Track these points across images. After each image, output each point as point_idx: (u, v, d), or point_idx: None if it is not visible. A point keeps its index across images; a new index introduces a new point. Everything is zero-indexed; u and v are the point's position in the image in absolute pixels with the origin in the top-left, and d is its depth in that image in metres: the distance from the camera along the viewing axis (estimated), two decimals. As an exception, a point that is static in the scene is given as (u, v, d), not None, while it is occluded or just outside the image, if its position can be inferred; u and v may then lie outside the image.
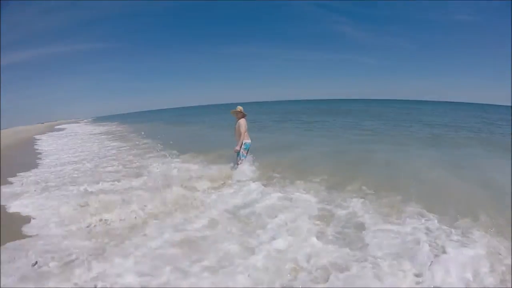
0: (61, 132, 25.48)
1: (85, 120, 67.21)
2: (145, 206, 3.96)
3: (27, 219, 3.86)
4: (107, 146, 12.00)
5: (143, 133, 14.38)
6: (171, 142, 9.35)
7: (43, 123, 63.52)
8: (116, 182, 5.48)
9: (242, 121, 5.70)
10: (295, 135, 12.39)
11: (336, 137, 11.05)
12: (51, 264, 2.63)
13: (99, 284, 2.31)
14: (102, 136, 17.46)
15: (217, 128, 17.10)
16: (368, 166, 5.99)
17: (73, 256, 2.74)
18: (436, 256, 2.54)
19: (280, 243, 2.83)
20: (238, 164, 5.66)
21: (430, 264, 2.43)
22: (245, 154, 5.69)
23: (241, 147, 5.60)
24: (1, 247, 2.88)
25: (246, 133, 5.68)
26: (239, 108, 5.83)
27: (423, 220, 3.24)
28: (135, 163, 7.37)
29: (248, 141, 5.73)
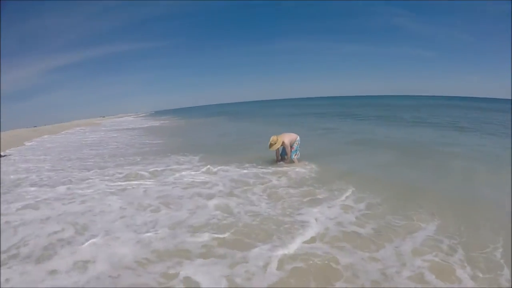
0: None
1: (143, 114, 72.26)
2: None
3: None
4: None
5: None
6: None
7: (104, 116, 69.93)
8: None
9: (286, 143, 6.22)
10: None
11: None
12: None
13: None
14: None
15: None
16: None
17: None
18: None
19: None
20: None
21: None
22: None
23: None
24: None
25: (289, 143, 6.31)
26: (273, 141, 6.14)
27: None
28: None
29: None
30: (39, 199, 4.70)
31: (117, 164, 7.51)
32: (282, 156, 6.46)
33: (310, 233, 3.18)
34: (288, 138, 6.20)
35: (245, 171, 5.97)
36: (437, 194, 4.43)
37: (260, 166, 6.27)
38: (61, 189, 5.27)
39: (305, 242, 3.01)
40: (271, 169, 6.03)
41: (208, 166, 6.36)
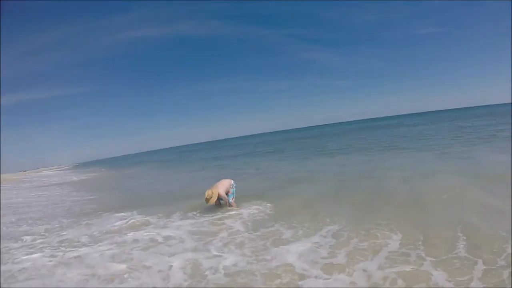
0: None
1: (65, 167, 65.87)
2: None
3: None
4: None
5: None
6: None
7: (25, 171, 61.99)
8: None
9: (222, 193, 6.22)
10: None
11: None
12: None
13: None
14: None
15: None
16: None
17: None
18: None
19: None
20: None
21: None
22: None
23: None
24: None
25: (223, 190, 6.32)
26: (209, 195, 6.06)
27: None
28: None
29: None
30: None
31: (54, 228, 6.37)
32: (219, 201, 6.40)
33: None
34: (222, 187, 6.28)
35: (192, 221, 5.56)
36: (389, 207, 4.86)
37: (206, 214, 5.95)
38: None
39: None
40: (220, 215, 5.77)
41: (151, 220, 5.89)
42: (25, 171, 61.58)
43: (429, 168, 7.83)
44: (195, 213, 6.13)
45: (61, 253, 4.50)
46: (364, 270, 2.96)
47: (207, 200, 6.03)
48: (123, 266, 3.70)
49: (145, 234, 5.04)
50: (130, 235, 5.05)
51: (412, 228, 3.90)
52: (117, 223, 6.04)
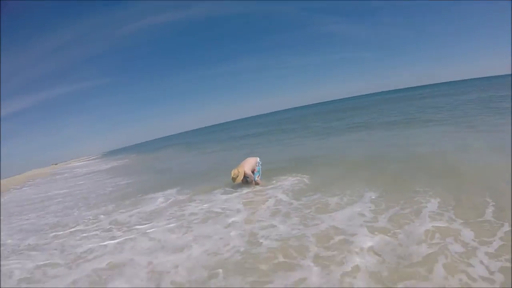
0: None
1: (94, 157, 68.47)
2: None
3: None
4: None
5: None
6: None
7: (56, 163, 65.11)
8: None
9: (247, 171, 6.32)
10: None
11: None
12: None
13: None
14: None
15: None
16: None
17: None
18: None
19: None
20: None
21: None
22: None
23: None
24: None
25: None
26: (235, 174, 6.21)
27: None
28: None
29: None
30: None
31: (104, 212, 6.87)
32: (245, 179, 6.49)
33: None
34: (248, 165, 6.37)
35: (236, 193, 5.96)
36: (424, 177, 4.96)
37: (245, 188, 6.26)
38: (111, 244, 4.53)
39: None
40: (259, 187, 6.11)
41: (194, 197, 6.31)
42: (56, 163, 64.91)
43: (461, 139, 7.70)
44: (233, 188, 6.43)
45: (120, 232, 4.98)
46: (407, 230, 3.22)
47: (234, 179, 6.18)
48: (187, 237, 4.14)
49: (196, 208, 5.47)
50: (183, 210, 5.50)
51: (447, 194, 4.04)
52: (163, 202, 6.54)
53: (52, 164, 63.97)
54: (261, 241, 3.56)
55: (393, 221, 3.48)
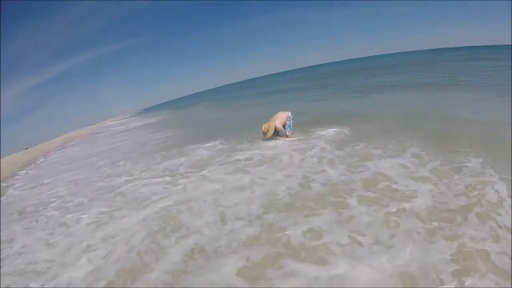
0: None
1: (129, 116, 71.14)
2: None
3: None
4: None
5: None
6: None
7: (93, 124, 68.97)
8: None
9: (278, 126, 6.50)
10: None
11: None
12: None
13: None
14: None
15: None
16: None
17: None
18: None
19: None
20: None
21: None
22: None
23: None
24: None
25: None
26: (265, 129, 6.40)
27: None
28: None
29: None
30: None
31: (158, 162, 7.34)
32: (276, 133, 6.63)
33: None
34: (279, 120, 6.44)
35: (279, 142, 6.36)
36: (463, 137, 5.01)
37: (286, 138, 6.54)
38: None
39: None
40: (302, 137, 6.41)
41: (239, 146, 6.71)
42: (93, 124, 68.68)
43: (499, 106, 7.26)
44: (274, 138, 6.72)
45: (178, 177, 5.50)
46: (447, 182, 3.51)
47: (264, 133, 6.32)
48: (244, 178, 4.67)
49: (247, 154, 5.92)
50: (234, 157, 5.93)
51: (487, 154, 4.11)
52: (210, 151, 7.03)
53: (90, 125, 67.91)
54: (312, 185, 4.01)
55: (434, 174, 3.77)
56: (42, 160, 16.67)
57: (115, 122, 52.40)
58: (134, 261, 3.07)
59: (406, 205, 3.12)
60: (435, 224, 2.75)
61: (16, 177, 11.66)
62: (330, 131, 6.46)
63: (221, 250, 2.94)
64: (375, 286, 2.22)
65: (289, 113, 6.68)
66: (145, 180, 5.89)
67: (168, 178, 5.65)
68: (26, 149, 32.38)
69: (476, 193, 3.17)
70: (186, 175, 5.57)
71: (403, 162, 4.22)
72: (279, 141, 6.43)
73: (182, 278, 2.67)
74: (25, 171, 12.89)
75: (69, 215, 4.96)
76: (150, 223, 3.83)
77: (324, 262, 2.51)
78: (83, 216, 4.73)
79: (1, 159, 21.41)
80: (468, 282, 2.11)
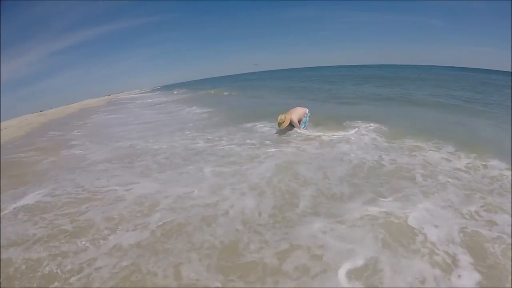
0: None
1: (147, 90, 70.34)
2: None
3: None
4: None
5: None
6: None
7: (109, 95, 69.65)
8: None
9: (294, 119, 6.54)
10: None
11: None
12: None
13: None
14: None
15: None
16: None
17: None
18: None
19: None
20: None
21: None
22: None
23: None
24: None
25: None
26: (281, 120, 6.43)
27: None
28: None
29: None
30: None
31: (226, 135, 7.50)
32: (290, 127, 6.69)
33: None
34: (295, 114, 6.57)
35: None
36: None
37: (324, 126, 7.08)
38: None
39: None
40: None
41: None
42: (109, 95, 69.06)
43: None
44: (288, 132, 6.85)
45: (252, 148, 5.88)
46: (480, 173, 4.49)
47: (279, 124, 6.38)
48: (323, 151, 5.53)
49: (313, 134, 6.42)
50: (299, 137, 6.35)
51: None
52: (266, 129, 7.43)
53: (106, 96, 68.32)
54: (375, 166, 4.80)
55: (470, 168, 4.70)
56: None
57: (135, 95, 50.74)
58: (281, 199, 3.82)
59: (450, 189, 3.97)
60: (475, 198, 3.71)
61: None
62: (367, 127, 6.94)
63: (337, 196, 3.83)
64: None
65: (307, 110, 6.88)
66: (238, 146, 6.26)
67: (257, 146, 6.09)
68: (41, 111, 33.06)
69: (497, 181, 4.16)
70: (272, 146, 6.00)
71: (442, 156, 5.16)
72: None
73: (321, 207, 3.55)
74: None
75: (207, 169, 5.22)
76: (277, 171, 4.60)
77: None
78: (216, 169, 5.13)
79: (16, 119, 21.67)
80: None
